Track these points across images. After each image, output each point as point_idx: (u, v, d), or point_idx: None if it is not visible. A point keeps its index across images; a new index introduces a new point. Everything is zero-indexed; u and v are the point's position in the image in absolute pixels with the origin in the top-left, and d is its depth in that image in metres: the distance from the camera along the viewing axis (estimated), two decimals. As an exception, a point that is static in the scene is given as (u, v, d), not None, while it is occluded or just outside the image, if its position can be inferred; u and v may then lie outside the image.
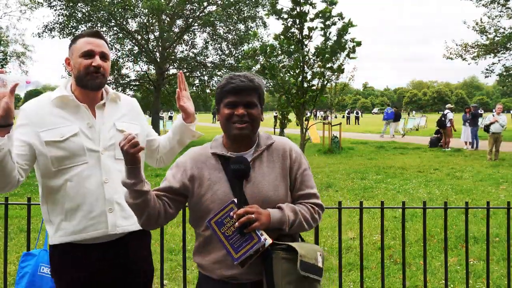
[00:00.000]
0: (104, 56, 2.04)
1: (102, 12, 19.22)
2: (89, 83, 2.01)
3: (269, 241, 1.65)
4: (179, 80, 2.35)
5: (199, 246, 1.88)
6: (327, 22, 10.87)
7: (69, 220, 1.98)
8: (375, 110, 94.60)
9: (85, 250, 2.01)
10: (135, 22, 20.90)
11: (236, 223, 1.64)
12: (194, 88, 24.12)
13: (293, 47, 11.12)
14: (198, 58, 22.40)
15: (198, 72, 22.83)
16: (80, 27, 20.15)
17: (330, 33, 10.90)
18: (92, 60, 1.99)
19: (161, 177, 10.28)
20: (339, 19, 10.81)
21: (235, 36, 21.85)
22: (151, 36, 22.00)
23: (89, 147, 2.00)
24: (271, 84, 11.73)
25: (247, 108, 1.74)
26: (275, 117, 25.49)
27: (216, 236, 1.71)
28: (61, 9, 20.05)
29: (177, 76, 2.37)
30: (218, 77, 22.65)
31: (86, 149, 1.99)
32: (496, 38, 22.31)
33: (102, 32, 2.12)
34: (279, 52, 11.57)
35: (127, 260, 2.08)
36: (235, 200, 1.69)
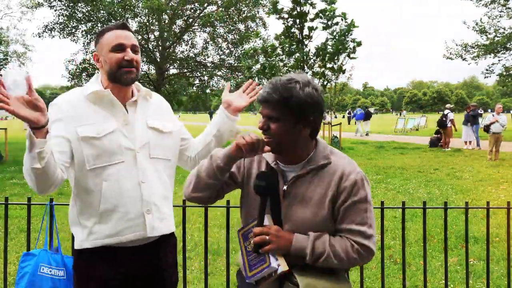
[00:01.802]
0: (135, 49, 1.93)
1: (102, 12, 19.24)
2: (123, 78, 1.90)
3: (282, 268, 1.52)
4: (248, 86, 2.28)
5: None
6: (329, 22, 10.89)
7: (104, 223, 1.87)
8: (371, 110, 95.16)
9: (116, 253, 1.90)
10: (135, 22, 20.91)
11: (250, 236, 1.59)
12: (194, 88, 24.14)
13: (294, 47, 11.14)
14: (198, 58, 22.41)
15: (198, 72, 22.83)
16: (80, 27, 20.16)
17: (336, 32, 10.91)
18: (124, 54, 1.89)
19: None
20: (342, 19, 10.83)
21: (235, 36, 21.87)
22: (151, 36, 22.01)
23: (126, 145, 1.89)
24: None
25: (269, 120, 1.58)
26: None
27: (240, 247, 1.67)
28: (61, 9, 20.08)
29: (249, 83, 2.30)
30: (218, 77, 22.68)
31: (123, 147, 1.88)
32: (496, 38, 22.31)
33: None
34: (280, 52, 11.59)
35: (158, 266, 1.99)
36: (267, 215, 1.61)
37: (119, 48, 1.89)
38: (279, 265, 1.52)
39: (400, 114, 70.92)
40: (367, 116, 27.13)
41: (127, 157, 1.88)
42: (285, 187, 1.61)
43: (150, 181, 1.92)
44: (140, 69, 1.99)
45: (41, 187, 1.73)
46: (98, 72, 2.03)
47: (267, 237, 1.53)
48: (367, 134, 25.90)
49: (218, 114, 2.22)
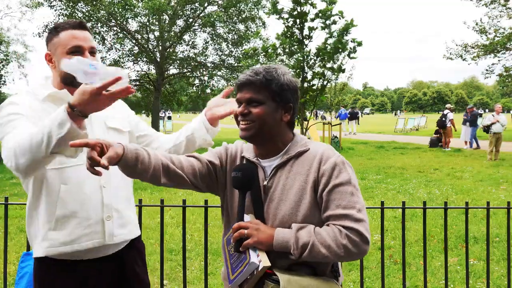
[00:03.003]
0: (92, 51, 1.80)
1: (102, 12, 19.25)
2: (80, 84, 1.72)
3: (263, 264, 1.40)
4: (228, 93, 2.08)
5: None
6: (328, 21, 10.90)
7: (59, 229, 1.74)
8: (367, 110, 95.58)
9: (76, 268, 1.77)
10: (135, 22, 20.93)
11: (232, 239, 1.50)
12: (194, 88, 24.16)
13: (295, 47, 11.14)
14: (198, 58, 22.42)
15: (198, 72, 22.85)
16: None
17: (333, 31, 10.92)
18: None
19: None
20: (339, 18, 10.84)
21: (235, 36, 21.89)
22: (151, 36, 22.02)
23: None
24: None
25: (249, 105, 1.52)
26: None
27: (223, 253, 1.58)
28: (61, 9, 20.10)
29: (226, 90, 2.10)
30: (218, 77, 22.70)
31: (83, 149, 1.76)
32: (496, 38, 22.30)
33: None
34: (281, 52, 11.59)
35: (128, 274, 1.90)
36: (249, 215, 1.53)
37: (76, 51, 1.75)
38: (260, 261, 1.40)
39: (395, 114, 71.51)
40: (352, 117, 28.27)
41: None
42: (265, 182, 1.55)
43: (112, 185, 1.83)
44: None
45: (41, 155, 1.51)
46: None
47: (246, 231, 1.44)
48: (354, 134, 26.85)
49: (197, 119, 2.09)
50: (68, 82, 1.79)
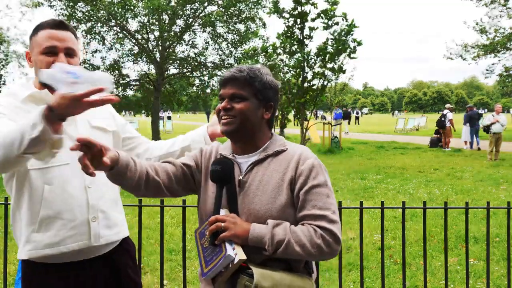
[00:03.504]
0: (69, 52, 1.71)
1: (102, 12, 19.25)
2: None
3: (239, 257, 1.40)
4: None
5: None
6: (330, 22, 10.92)
7: (43, 231, 1.69)
8: (365, 110, 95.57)
9: (63, 271, 1.74)
10: (135, 22, 20.92)
11: (207, 232, 1.50)
12: (194, 88, 24.17)
13: (296, 47, 11.15)
14: (198, 58, 22.42)
15: (198, 72, 22.85)
16: (80, 27, 20.16)
17: (336, 32, 10.95)
18: (55, 59, 1.68)
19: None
20: (342, 19, 10.87)
21: (235, 36, 21.89)
22: (151, 36, 22.02)
23: (71, 146, 1.73)
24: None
25: (232, 101, 1.55)
26: (276, 117, 26.09)
27: (197, 248, 1.56)
28: (61, 9, 20.09)
29: None
30: (218, 77, 22.70)
31: (68, 148, 1.69)
32: (496, 38, 22.30)
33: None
34: (281, 52, 11.61)
35: (118, 282, 1.87)
36: (223, 209, 1.54)
37: (51, 51, 1.69)
38: (236, 254, 1.41)
39: (393, 114, 71.73)
40: (345, 116, 29.25)
41: (72, 159, 1.66)
42: (241, 177, 1.56)
43: (97, 185, 1.78)
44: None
45: (11, 156, 1.44)
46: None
47: (222, 224, 1.45)
48: (346, 133, 27.26)
49: (198, 131, 2.08)
50: (42, 84, 1.73)
